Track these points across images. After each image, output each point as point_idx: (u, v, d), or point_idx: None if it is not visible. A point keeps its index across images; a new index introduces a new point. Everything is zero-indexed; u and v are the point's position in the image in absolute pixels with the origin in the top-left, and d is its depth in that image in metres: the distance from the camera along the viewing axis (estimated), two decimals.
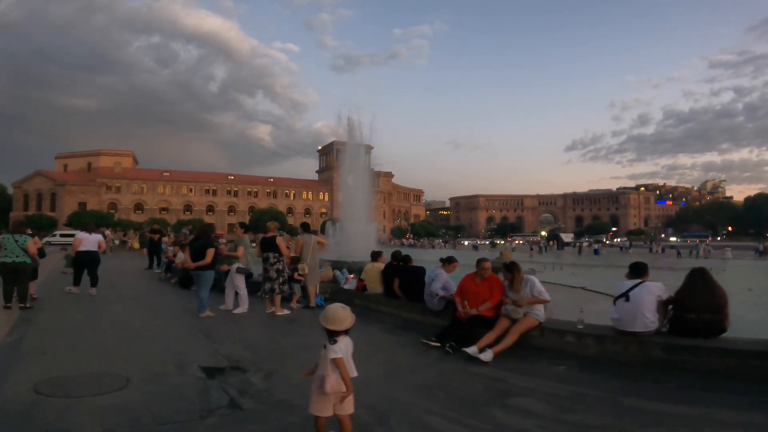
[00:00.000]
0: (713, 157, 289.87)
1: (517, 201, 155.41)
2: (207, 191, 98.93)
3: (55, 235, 49.31)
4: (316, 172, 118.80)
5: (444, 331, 5.63)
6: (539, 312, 5.39)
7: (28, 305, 7.66)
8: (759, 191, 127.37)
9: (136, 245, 34.15)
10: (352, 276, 9.07)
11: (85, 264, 9.69)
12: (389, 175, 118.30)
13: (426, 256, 22.71)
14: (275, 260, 7.52)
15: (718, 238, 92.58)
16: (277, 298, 7.53)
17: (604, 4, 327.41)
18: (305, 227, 8.49)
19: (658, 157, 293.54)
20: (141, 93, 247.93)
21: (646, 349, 4.75)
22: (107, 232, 36.11)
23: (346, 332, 2.82)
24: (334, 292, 8.96)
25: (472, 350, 4.99)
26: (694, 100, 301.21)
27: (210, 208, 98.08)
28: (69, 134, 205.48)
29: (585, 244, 63.84)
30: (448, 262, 6.85)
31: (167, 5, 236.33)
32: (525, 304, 5.35)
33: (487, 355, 4.88)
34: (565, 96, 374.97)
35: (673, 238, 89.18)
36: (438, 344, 5.43)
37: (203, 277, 7.27)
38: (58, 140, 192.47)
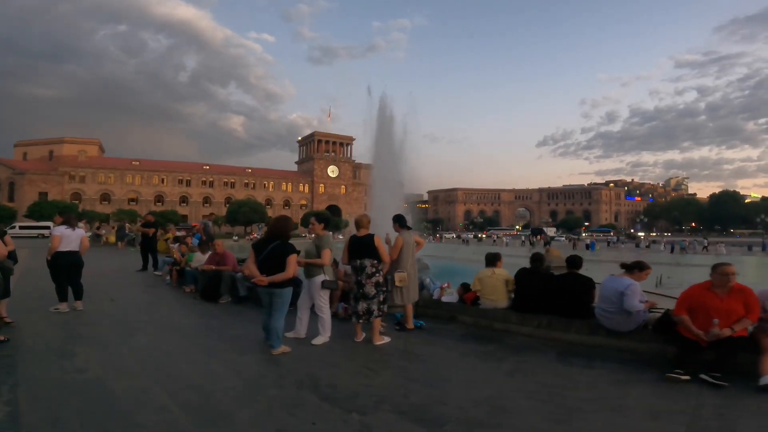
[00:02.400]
0: (675, 155, 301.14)
1: (495, 195, 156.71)
2: (180, 181, 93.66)
3: (14, 227, 44.97)
4: (296, 163, 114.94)
5: (682, 359, 4.21)
6: None
7: (1, 337, 5.26)
8: (718, 188, 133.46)
9: (112, 239, 30.81)
10: (447, 284, 7.18)
11: (66, 270, 7.21)
12: (370, 167, 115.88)
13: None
14: (373, 270, 5.41)
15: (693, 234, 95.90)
16: (377, 323, 5.51)
17: (580, 4, 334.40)
18: (401, 221, 6.20)
19: (624, 154, 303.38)
20: (107, 82, 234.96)
21: None
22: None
23: None
24: (422, 306, 7.06)
25: None
26: (660, 98, 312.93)
27: (183, 199, 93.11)
28: (30, 124, 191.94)
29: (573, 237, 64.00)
30: (638, 268, 5.19)
31: None
32: None
33: None
34: (539, 93, 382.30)
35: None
36: (687, 377, 4.05)
37: (280, 298, 4.95)
38: (18, 130, 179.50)
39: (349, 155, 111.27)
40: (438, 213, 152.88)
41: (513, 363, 4.86)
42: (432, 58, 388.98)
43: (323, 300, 5.54)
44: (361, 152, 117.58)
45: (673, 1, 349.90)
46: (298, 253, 5.11)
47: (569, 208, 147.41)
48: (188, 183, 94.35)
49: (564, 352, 5.12)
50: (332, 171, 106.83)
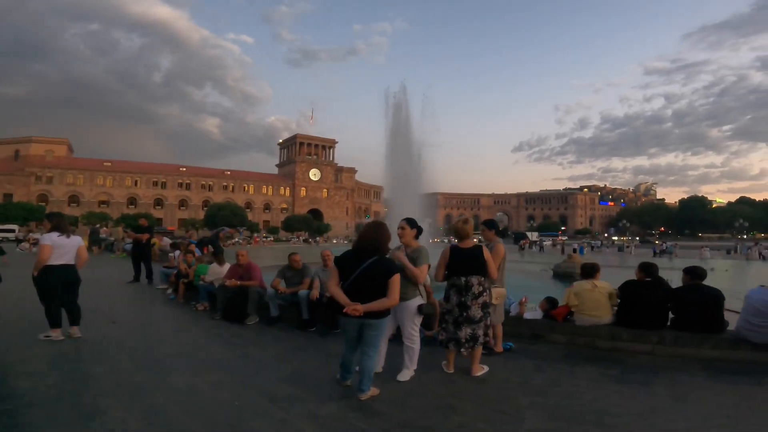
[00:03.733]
0: (642, 161, 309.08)
1: (474, 200, 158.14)
2: (155, 183, 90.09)
3: None
4: (276, 165, 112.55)
5: None
6: None
7: None
8: (683, 194, 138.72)
9: (85, 243, 28.58)
10: (525, 299, 6.19)
11: (59, 289, 5.67)
12: (352, 170, 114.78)
13: None
14: (481, 288, 4.43)
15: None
16: (479, 351, 4.52)
17: (556, 11, 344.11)
18: (496, 227, 5.26)
19: (595, 160, 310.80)
20: (77, 81, 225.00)
21: None
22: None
23: None
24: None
25: None
26: (629, 105, 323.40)
27: (158, 202, 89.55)
28: None
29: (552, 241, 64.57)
30: None
31: None
32: None
33: None
34: (516, 98, 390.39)
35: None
36: None
37: (377, 330, 3.81)
38: None
39: (331, 158, 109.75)
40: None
41: (665, 387, 4.15)
42: (411, 62, 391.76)
43: (416, 328, 4.47)
44: (343, 155, 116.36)
45: (645, 8, 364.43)
46: (401, 271, 3.97)
47: (546, 213, 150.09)
48: (163, 185, 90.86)
49: (709, 370, 4.53)
50: (314, 174, 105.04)
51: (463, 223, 4.56)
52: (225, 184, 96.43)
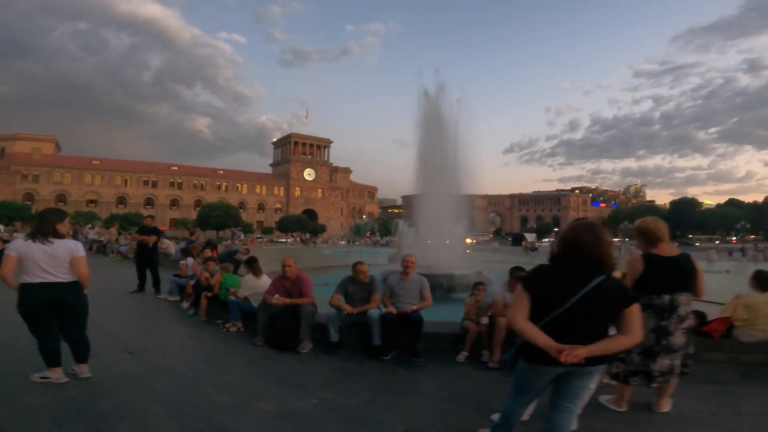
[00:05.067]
0: (631, 163, 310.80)
1: (468, 200, 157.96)
2: (146, 183, 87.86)
3: None
4: (270, 165, 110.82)
5: None
6: None
7: None
8: (670, 195, 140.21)
9: None
10: None
11: (49, 315, 4.14)
12: (347, 171, 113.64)
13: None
14: (688, 310, 3.44)
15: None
16: (672, 385, 3.54)
17: (548, 14, 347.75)
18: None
19: (584, 162, 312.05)
20: (65, 80, 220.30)
21: None
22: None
23: None
24: None
25: None
26: (618, 107, 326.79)
27: (149, 202, 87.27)
28: None
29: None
30: None
31: None
32: None
33: None
34: (507, 100, 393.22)
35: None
36: None
37: (589, 380, 2.54)
38: None
39: (326, 158, 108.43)
40: (412, 218, 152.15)
41: None
42: (404, 63, 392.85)
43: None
44: (336, 155, 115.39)
45: (634, 11, 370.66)
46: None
47: (539, 214, 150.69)
48: (154, 184, 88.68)
49: None
50: (309, 174, 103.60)
51: (656, 221, 3.58)
52: (218, 183, 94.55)
